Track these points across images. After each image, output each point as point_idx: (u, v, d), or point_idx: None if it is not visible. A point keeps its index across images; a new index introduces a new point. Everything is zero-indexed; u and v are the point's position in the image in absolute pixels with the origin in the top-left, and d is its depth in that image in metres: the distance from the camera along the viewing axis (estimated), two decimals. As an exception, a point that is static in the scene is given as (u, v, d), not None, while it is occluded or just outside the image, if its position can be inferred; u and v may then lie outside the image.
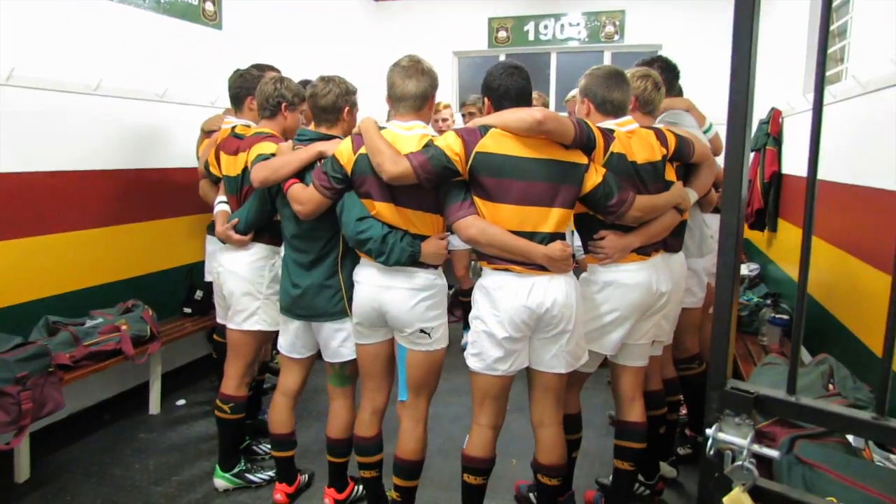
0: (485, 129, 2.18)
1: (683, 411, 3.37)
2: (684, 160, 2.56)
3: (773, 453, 0.96)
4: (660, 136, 2.44)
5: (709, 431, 1.00)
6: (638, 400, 2.61)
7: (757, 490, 1.00)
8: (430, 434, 2.56)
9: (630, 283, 2.38)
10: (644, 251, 2.41)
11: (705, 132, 3.00)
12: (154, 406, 3.78)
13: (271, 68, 3.29)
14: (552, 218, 2.20)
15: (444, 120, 4.52)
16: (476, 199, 2.21)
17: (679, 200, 2.47)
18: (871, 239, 2.96)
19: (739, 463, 0.97)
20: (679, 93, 3.24)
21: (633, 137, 2.36)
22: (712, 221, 3.10)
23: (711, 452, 1.00)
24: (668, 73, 2.98)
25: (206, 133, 3.63)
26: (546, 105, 4.31)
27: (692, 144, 2.53)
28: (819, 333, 3.49)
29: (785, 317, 3.84)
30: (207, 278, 3.77)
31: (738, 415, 0.98)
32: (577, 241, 2.53)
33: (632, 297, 2.39)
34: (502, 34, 6.67)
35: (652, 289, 2.41)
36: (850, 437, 2.16)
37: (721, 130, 2.98)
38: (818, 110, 0.96)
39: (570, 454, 2.61)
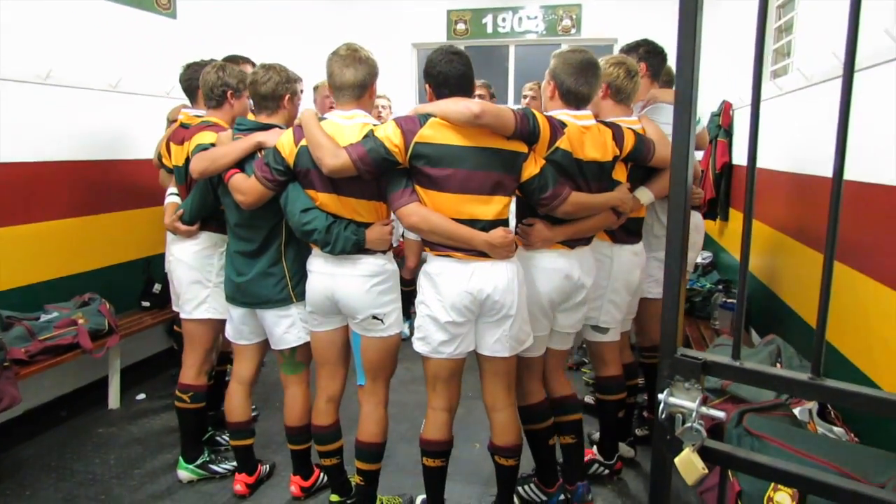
0: (424, 119, 2.20)
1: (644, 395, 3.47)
2: (640, 162, 2.58)
3: (719, 414, 1.02)
4: (617, 135, 2.45)
5: (660, 396, 1.06)
6: (560, 375, 2.71)
7: (706, 450, 1.07)
8: (395, 421, 2.60)
9: (549, 267, 2.44)
10: (570, 243, 2.46)
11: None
12: (113, 401, 3.73)
13: (246, 60, 3.25)
14: (493, 206, 2.24)
15: (383, 107, 4.49)
16: (417, 188, 2.24)
17: (617, 203, 2.48)
18: (815, 225, 3.09)
19: (689, 424, 1.03)
20: (671, 82, 3.27)
21: (586, 133, 2.37)
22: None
23: (663, 416, 1.07)
24: (653, 58, 2.98)
25: (171, 122, 3.58)
26: (492, 94, 4.29)
27: (652, 147, 2.55)
28: (767, 316, 3.64)
29: (736, 301, 3.97)
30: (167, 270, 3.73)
31: (688, 380, 1.05)
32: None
33: (550, 281, 2.44)
34: (461, 26, 6.70)
35: (572, 277, 2.45)
36: (795, 411, 2.27)
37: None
38: (756, 104, 1.03)
39: (545, 443, 2.65)
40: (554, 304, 2.49)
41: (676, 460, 1.05)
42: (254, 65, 3.27)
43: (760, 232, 3.96)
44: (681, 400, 1.04)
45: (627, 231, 2.71)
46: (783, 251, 3.43)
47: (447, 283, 2.25)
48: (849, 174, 2.63)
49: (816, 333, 0.98)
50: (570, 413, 2.67)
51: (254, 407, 3.58)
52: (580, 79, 2.35)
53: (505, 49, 6.77)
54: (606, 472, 2.96)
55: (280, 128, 2.51)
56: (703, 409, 1.02)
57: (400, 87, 6.48)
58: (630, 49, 3.00)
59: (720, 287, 4.20)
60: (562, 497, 2.72)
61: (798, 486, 1.04)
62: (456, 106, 2.16)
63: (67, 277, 3.71)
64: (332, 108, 3.69)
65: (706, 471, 1.03)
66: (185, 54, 3.14)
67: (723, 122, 4.87)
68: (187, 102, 3.51)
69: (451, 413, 2.47)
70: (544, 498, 2.72)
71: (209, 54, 3.23)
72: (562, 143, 2.29)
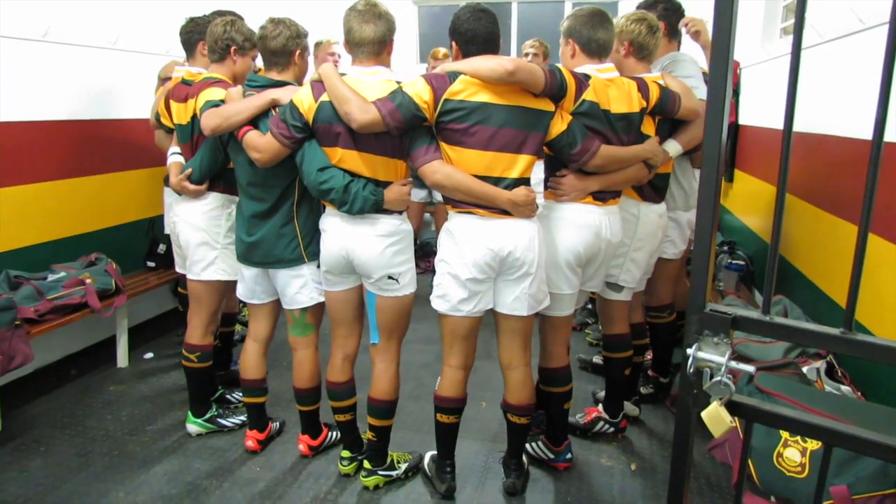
0: (454, 76, 2.19)
1: (649, 356, 3.49)
2: (667, 115, 2.58)
3: (749, 368, 1.03)
4: (642, 87, 2.46)
5: (688, 351, 1.07)
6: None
7: (732, 405, 1.08)
8: (401, 380, 2.62)
9: (580, 222, 2.44)
10: (601, 197, 2.46)
11: None
12: (122, 359, 3.76)
13: (233, 14, 3.18)
14: (519, 164, 2.24)
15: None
16: (443, 144, 2.23)
17: (648, 155, 2.50)
18: (825, 185, 3.08)
19: (718, 378, 1.04)
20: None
21: (610, 86, 2.38)
22: None
23: (691, 371, 1.07)
24: (672, 16, 2.94)
25: (163, 80, 3.53)
26: (546, 52, 4.25)
27: (678, 100, 2.54)
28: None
29: (741, 262, 4.00)
30: (167, 231, 3.72)
31: (717, 335, 1.05)
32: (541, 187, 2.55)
33: (580, 236, 2.44)
34: (464, -17, 6.57)
35: (601, 234, 2.46)
36: (804, 369, 2.30)
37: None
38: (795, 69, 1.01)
39: (561, 405, 2.67)
40: (582, 261, 2.49)
41: (703, 414, 1.06)
42: (241, 19, 3.19)
43: (767, 192, 3.96)
44: (710, 354, 1.05)
45: (654, 188, 2.71)
46: (789, 211, 3.43)
47: (469, 239, 2.26)
48: (859, 133, 2.63)
49: (850, 289, 0.98)
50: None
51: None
52: (597, 26, 2.39)
53: (508, 6, 6.65)
54: (612, 430, 3.00)
55: (293, 85, 2.47)
56: (732, 364, 1.03)
57: (402, 46, 6.36)
58: (648, 6, 2.94)
59: (724, 248, 4.21)
60: (569, 455, 2.76)
61: (823, 439, 1.05)
62: (488, 63, 2.14)
63: (72, 237, 3.70)
64: (335, 64, 3.63)
65: (734, 424, 1.04)
66: (184, 11, 3.07)
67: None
68: (178, 59, 3.46)
69: (467, 371, 2.50)
70: (552, 456, 2.76)
71: (209, 11, 3.15)
72: (588, 95, 2.31)
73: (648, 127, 2.54)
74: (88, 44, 3.72)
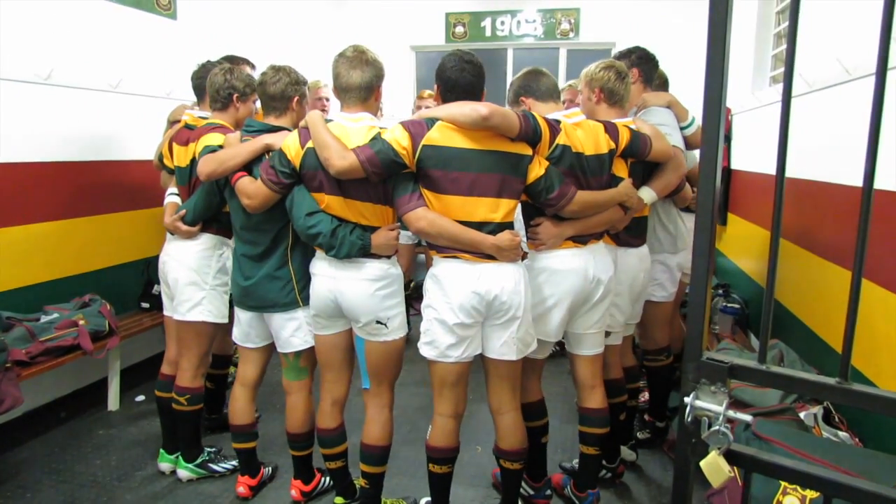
0: (431, 122, 2.21)
1: (643, 398, 3.47)
2: (638, 157, 2.60)
3: (746, 417, 1.03)
4: (610, 129, 2.49)
5: (686, 400, 1.06)
6: (598, 387, 2.67)
7: (730, 454, 1.07)
8: (396, 423, 2.59)
9: (564, 268, 2.44)
10: (580, 239, 2.47)
11: (687, 127, 3.03)
12: (113, 402, 3.71)
13: (245, 61, 3.23)
14: (500, 208, 2.26)
15: (429, 108, 4.47)
16: (424, 191, 2.24)
17: (623, 198, 2.51)
18: (818, 231, 3.11)
19: (716, 428, 1.04)
20: (664, 84, 3.28)
21: (578, 129, 2.41)
22: (688, 218, 3.17)
23: (689, 420, 1.07)
24: (645, 64, 3.02)
25: (171, 123, 3.56)
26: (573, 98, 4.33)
27: (648, 142, 2.56)
28: (768, 320, 3.66)
29: (736, 306, 4.00)
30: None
31: (714, 383, 1.05)
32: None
33: (566, 282, 2.44)
34: (459, 29, 6.72)
35: (587, 275, 2.45)
36: (801, 415, 2.29)
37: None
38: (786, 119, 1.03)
39: (539, 440, 2.67)
40: (573, 309, 2.49)
41: (702, 463, 1.06)
42: (252, 66, 3.27)
43: (760, 236, 3.99)
44: (707, 403, 1.05)
45: (630, 233, 2.72)
46: (783, 255, 3.45)
47: (455, 284, 2.25)
48: (850, 179, 2.67)
49: (845, 338, 0.99)
50: (598, 426, 2.65)
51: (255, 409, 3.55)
52: (539, 76, 2.60)
53: (503, 52, 6.79)
54: (609, 475, 2.97)
55: (288, 130, 2.50)
56: (730, 413, 1.03)
57: (398, 91, 6.49)
58: (622, 56, 3.05)
59: (720, 291, 4.22)
60: (548, 492, 2.75)
61: (822, 490, 1.05)
62: (463, 109, 2.17)
63: (67, 278, 3.68)
64: (323, 109, 3.69)
65: (732, 474, 1.04)
66: (185, 55, 3.12)
67: (721, 127, 4.89)
68: (187, 103, 3.50)
69: (458, 419, 2.46)
70: (531, 492, 2.74)
71: (209, 55, 3.22)
72: (560, 139, 2.34)
73: (621, 169, 2.56)
74: (90, 87, 3.77)
